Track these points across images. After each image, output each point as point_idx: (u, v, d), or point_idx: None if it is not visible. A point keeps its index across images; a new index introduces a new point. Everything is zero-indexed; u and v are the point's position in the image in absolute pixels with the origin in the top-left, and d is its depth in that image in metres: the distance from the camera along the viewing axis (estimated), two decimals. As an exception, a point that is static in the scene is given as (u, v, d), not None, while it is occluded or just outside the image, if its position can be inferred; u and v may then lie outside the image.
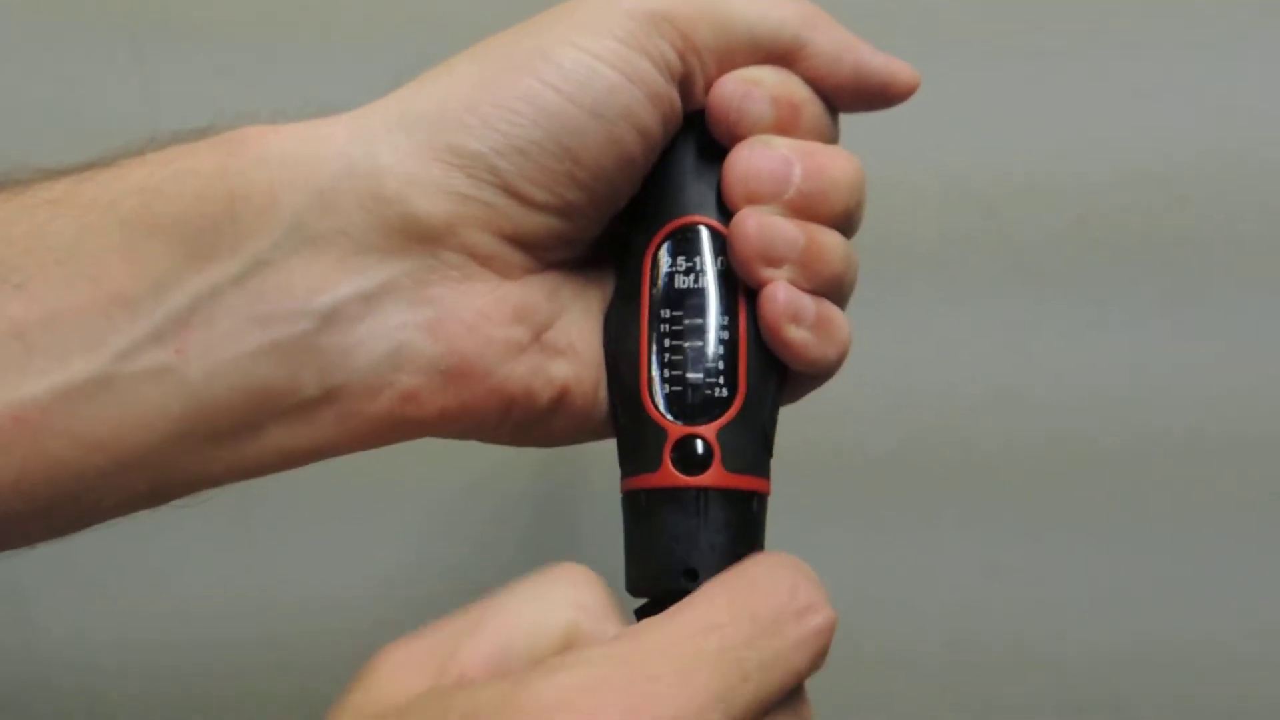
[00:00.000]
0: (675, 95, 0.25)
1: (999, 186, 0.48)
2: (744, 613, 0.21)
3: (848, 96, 0.27)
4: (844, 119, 0.29)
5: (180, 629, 0.58)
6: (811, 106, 0.26)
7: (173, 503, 0.24)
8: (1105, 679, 0.53)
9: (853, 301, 0.28)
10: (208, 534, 0.54)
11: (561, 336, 0.26)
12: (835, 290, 0.26)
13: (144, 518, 0.25)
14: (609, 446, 0.28)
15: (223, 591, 0.55)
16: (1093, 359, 0.50)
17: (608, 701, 0.18)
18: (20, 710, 0.60)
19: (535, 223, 0.25)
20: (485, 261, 0.24)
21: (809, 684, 0.23)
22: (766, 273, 0.25)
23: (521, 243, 0.25)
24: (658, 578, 0.25)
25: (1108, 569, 0.51)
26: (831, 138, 0.27)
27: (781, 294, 0.25)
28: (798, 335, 0.25)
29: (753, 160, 0.25)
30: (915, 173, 0.48)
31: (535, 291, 0.26)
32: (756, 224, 0.25)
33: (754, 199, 0.25)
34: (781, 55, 0.26)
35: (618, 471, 0.27)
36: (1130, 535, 0.51)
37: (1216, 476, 0.51)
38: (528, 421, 0.26)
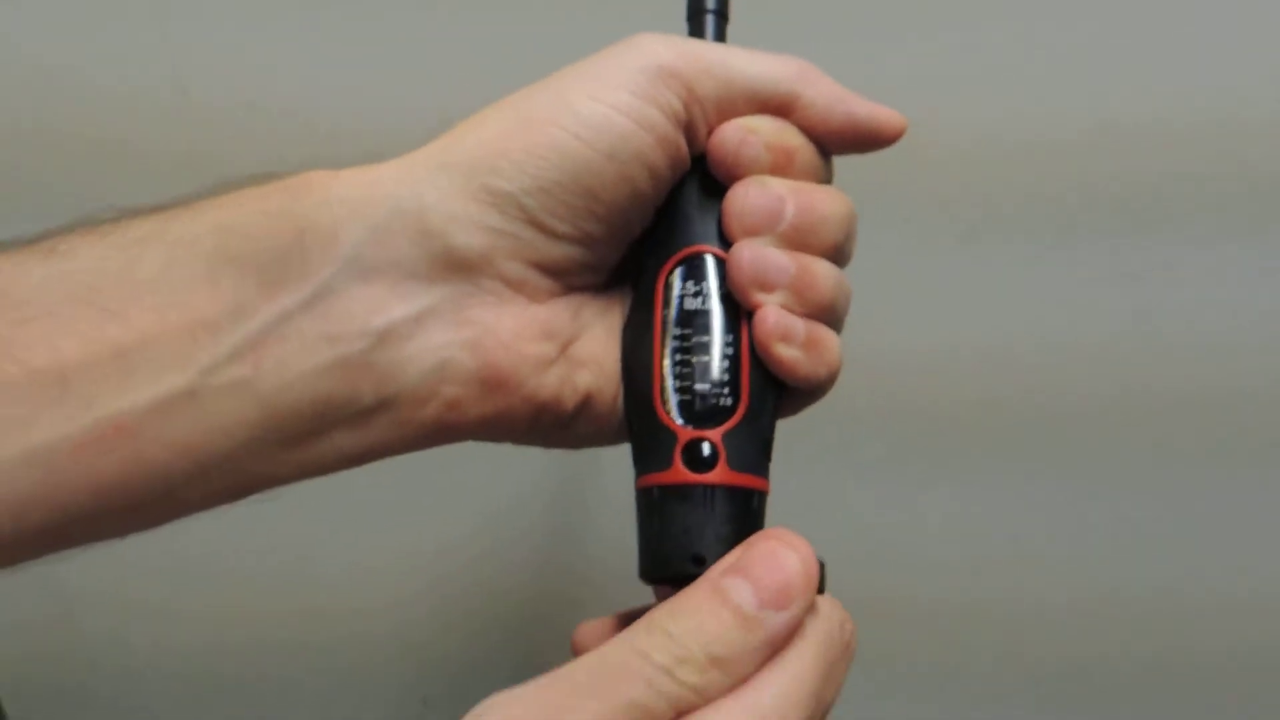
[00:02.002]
0: (682, 140, 0.28)
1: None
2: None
3: (839, 142, 0.30)
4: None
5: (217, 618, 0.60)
6: (804, 151, 0.29)
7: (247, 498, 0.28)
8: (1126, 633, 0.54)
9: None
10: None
11: (585, 350, 0.29)
12: (827, 314, 0.29)
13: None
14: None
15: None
16: (1126, 312, 0.51)
17: None
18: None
19: (559, 252, 0.28)
20: (517, 287, 0.28)
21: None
22: (759, 297, 0.28)
23: (548, 270, 0.28)
24: (669, 564, 0.27)
25: (1129, 521, 0.53)
26: (824, 178, 0.30)
27: (772, 316, 0.28)
28: (787, 353, 0.28)
29: (748, 198, 0.28)
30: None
31: (561, 312, 0.29)
32: (751, 254, 0.28)
33: (750, 231, 0.28)
34: (778, 107, 0.29)
35: (621, 456, 0.30)
36: (1152, 487, 0.52)
37: (1245, 429, 0.52)
38: (555, 426, 0.29)
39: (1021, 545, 0.54)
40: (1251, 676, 0.54)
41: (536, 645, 0.59)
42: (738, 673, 0.23)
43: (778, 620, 0.24)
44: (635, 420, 0.29)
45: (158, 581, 0.59)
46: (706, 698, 0.23)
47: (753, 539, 0.25)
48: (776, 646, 0.24)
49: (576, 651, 0.26)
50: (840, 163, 0.32)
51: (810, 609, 0.25)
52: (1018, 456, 0.53)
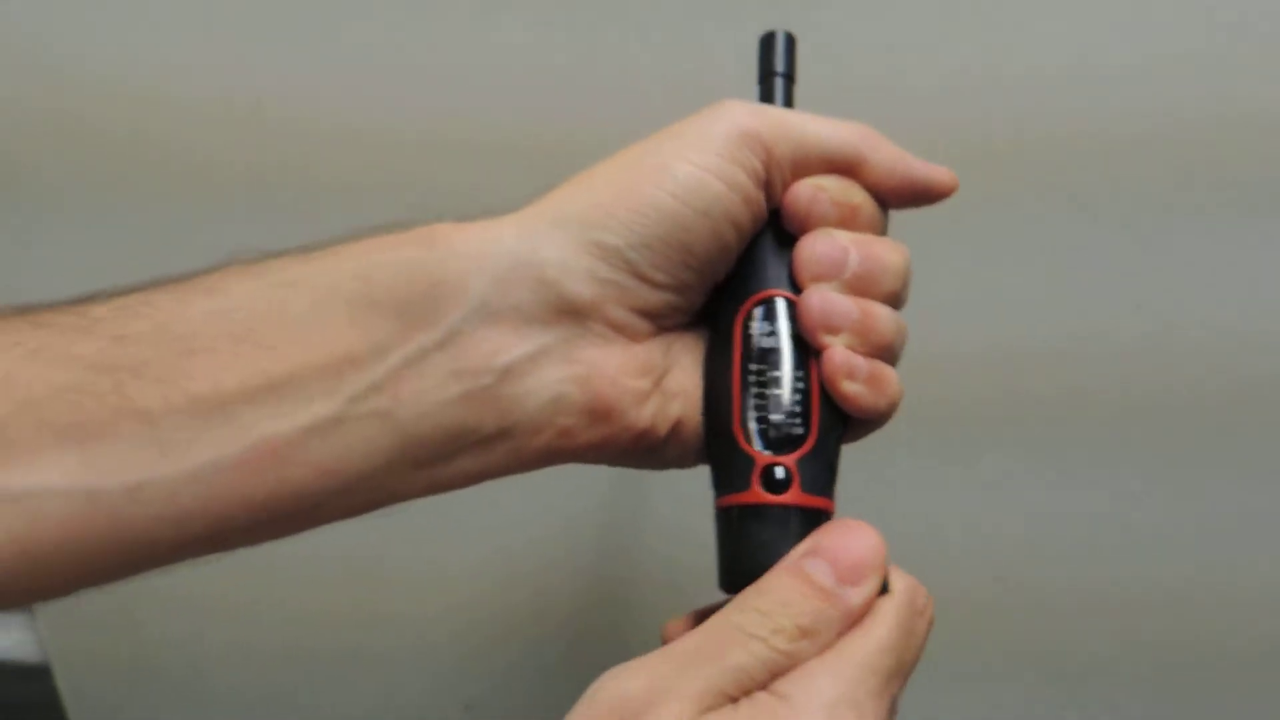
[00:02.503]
0: (762, 198, 0.32)
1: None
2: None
3: (898, 198, 0.33)
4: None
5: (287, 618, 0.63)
6: (867, 206, 0.33)
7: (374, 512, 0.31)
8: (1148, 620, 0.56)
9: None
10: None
11: (675, 383, 0.33)
12: (887, 353, 0.32)
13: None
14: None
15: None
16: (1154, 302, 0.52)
17: None
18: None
19: (657, 299, 0.31)
20: (619, 329, 0.31)
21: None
22: (826, 339, 0.31)
23: (646, 314, 0.32)
24: (747, 577, 0.30)
25: (1155, 512, 0.55)
26: (883, 230, 0.33)
27: (839, 356, 0.31)
28: (852, 389, 0.31)
29: (817, 248, 0.32)
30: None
31: (656, 350, 0.32)
32: (819, 299, 0.31)
33: (818, 278, 0.32)
34: (844, 167, 0.32)
35: (668, 481, 0.32)
36: (1180, 478, 0.54)
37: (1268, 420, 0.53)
38: (650, 450, 0.32)
39: (1043, 536, 0.56)
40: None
41: (580, 656, 0.62)
42: (823, 641, 0.27)
43: (855, 594, 0.28)
44: (715, 446, 0.32)
45: (221, 582, 0.62)
46: (797, 662, 0.27)
47: (825, 526, 0.30)
48: (855, 617, 0.28)
49: (666, 642, 0.30)
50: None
51: (883, 583, 0.29)
52: (1044, 448, 0.55)
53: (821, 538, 0.29)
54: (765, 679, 0.27)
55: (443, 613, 0.63)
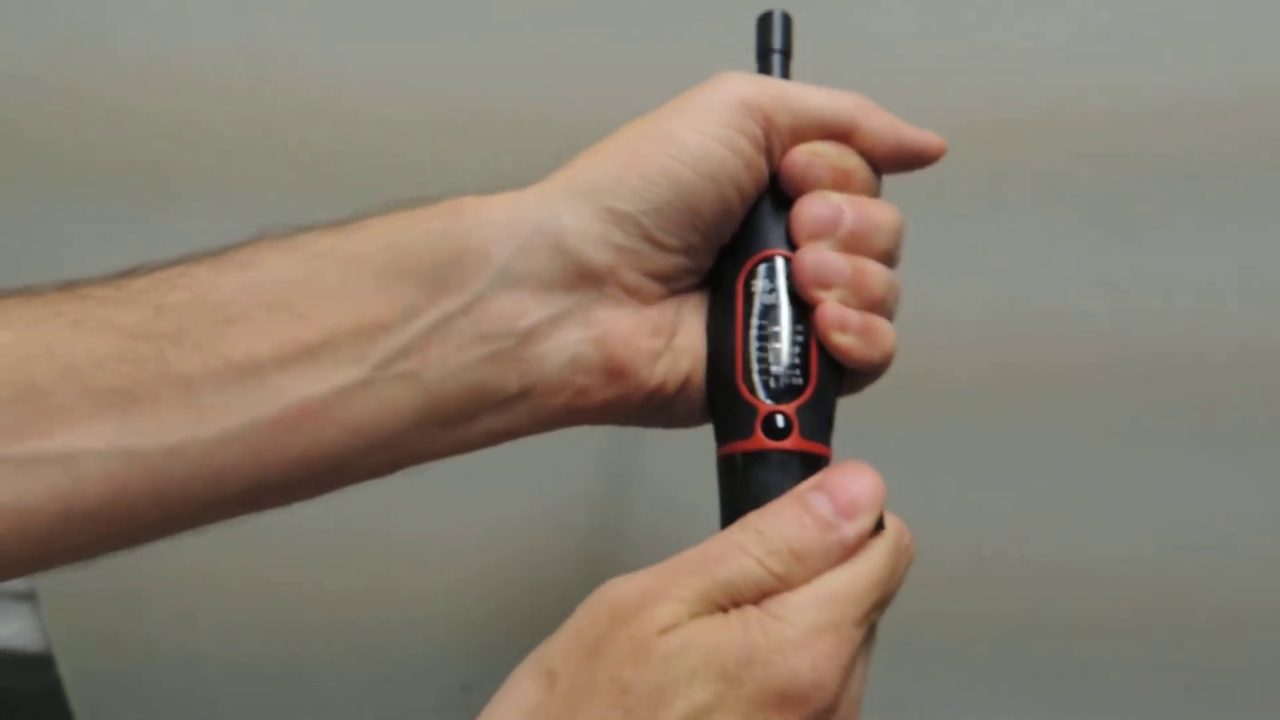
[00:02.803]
0: (763, 163, 0.34)
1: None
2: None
3: (891, 162, 0.35)
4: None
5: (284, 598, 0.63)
6: (861, 171, 0.34)
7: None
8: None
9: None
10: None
11: (684, 341, 0.34)
12: (880, 307, 0.34)
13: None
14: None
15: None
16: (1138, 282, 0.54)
17: None
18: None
19: (668, 262, 0.33)
20: (633, 292, 0.33)
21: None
22: (819, 294, 0.33)
23: (658, 277, 0.33)
24: None
25: (1132, 483, 0.56)
26: (877, 193, 0.35)
27: (831, 310, 0.33)
28: (844, 340, 0.33)
29: (812, 208, 0.33)
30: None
31: (667, 311, 0.34)
32: (813, 257, 0.33)
33: (813, 236, 0.33)
34: (840, 133, 0.34)
35: (664, 461, 0.34)
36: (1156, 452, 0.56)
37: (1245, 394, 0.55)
38: (661, 406, 0.34)
39: (1016, 509, 0.58)
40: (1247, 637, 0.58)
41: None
42: (814, 567, 0.29)
43: (850, 527, 0.29)
44: (720, 398, 0.34)
45: (220, 560, 0.62)
46: (787, 584, 0.28)
47: (832, 466, 0.31)
48: (849, 549, 0.29)
49: None
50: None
51: (878, 522, 0.30)
52: (1019, 425, 0.56)
53: (827, 475, 0.31)
54: (756, 595, 0.28)
55: (441, 591, 0.64)
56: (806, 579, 0.28)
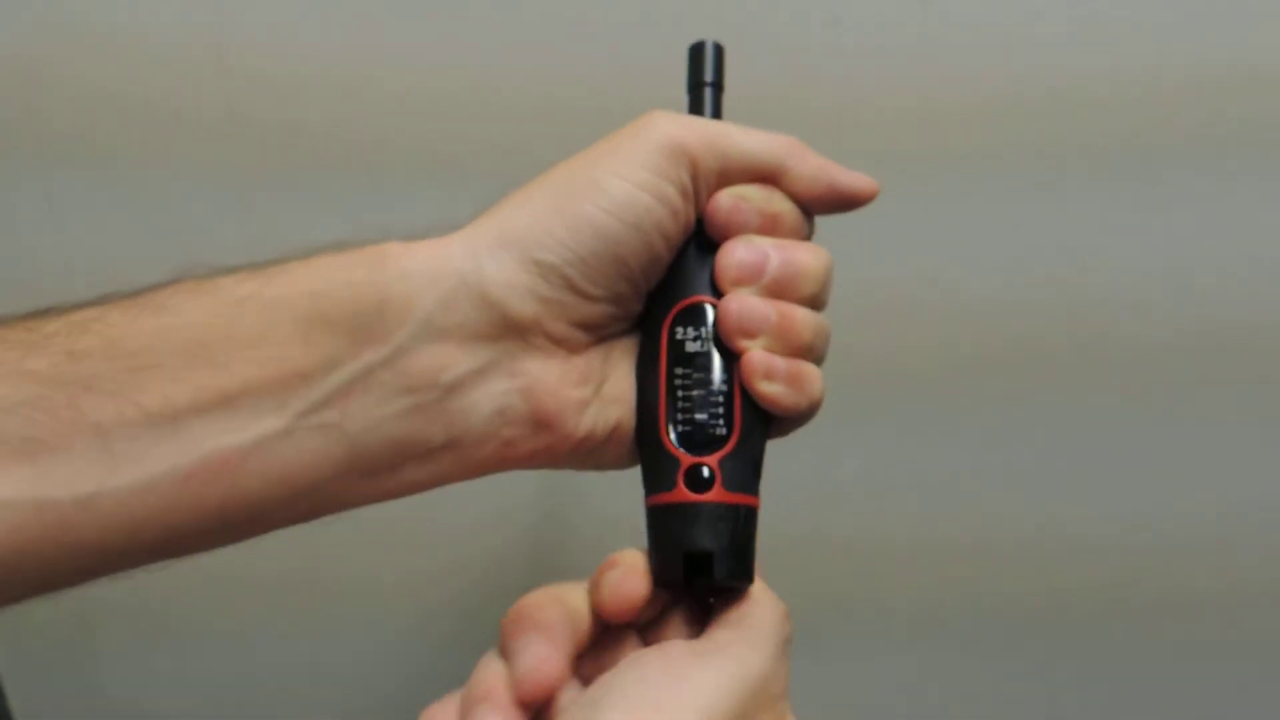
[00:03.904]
0: (689, 209, 0.33)
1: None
2: None
3: (821, 206, 0.35)
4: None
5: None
6: (790, 215, 0.34)
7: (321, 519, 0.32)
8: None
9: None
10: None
11: (614, 389, 0.34)
12: (808, 353, 0.34)
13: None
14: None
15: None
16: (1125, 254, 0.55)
17: None
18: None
19: (595, 310, 0.33)
20: (559, 342, 0.33)
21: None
22: (744, 342, 0.33)
23: (585, 326, 0.33)
24: (677, 574, 0.32)
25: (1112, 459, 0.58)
26: (806, 236, 0.35)
27: (756, 358, 0.33)
28: (769, 389, 0.33)
29: (736, 254, 0.33)
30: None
31: (595, 359, 0.34)
32: (737, 305, 0.33)
33: (737, 283, 0.33)
34: (768, 176, 0.34)
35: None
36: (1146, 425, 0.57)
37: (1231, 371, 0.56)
38: (590, 452, 0.34)
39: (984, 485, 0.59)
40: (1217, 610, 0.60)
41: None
42: None
43: None
44: (644, 448, 0.34)
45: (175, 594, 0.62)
46: None
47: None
48: None
49: None
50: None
51: None
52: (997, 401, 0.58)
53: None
54: None
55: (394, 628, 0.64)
56: None
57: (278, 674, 0.64)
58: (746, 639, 0.31)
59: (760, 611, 0.32)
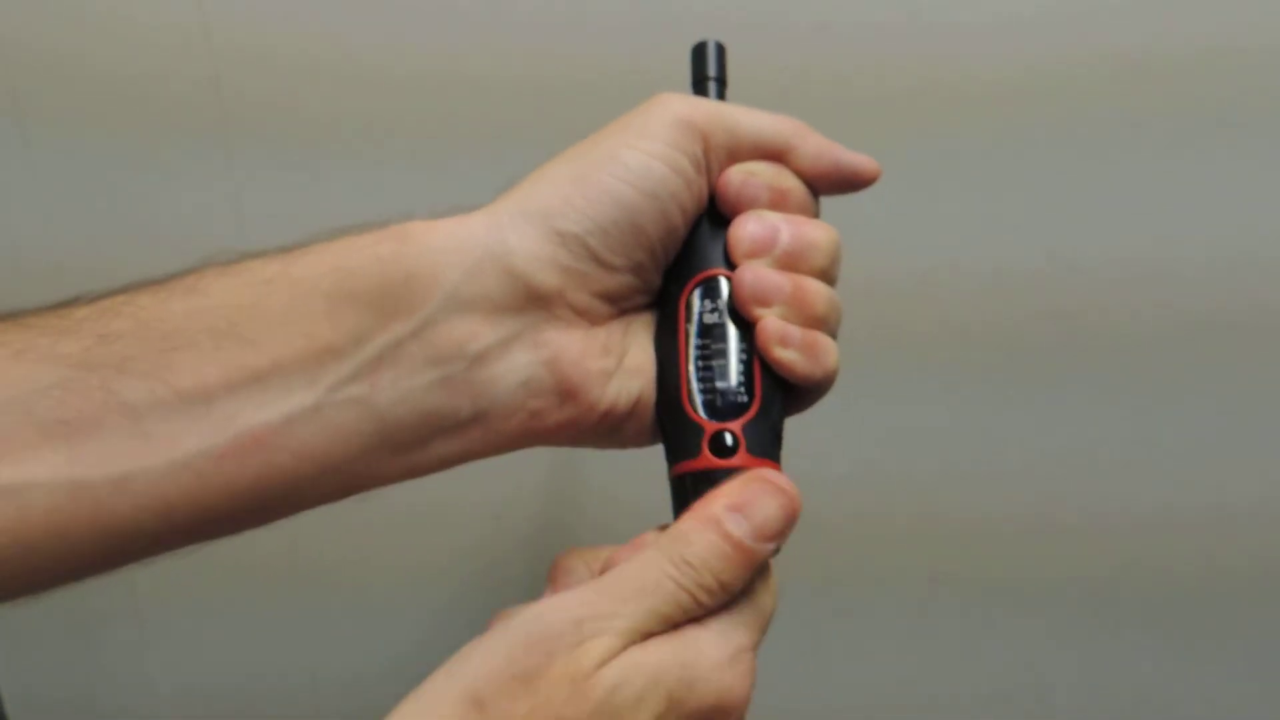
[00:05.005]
0: (702, 182, 0.34)
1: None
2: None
3: (826, 183, 0.36)
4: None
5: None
6: (797, 191, 0.35)
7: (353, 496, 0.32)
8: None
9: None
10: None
11: (634, 361, 0.35)
12: (822, 324, 0.34)
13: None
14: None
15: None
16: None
17: None
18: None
19: (615, 281, 0.34)
20: (582, 313, 0.33)
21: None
22: (759, 311, 0.34)
23: (606, 297, 0.34)
24: None
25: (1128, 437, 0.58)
26: (814, 213, 0.36)
27: (772, 325, 0.33)
28: (785, 355, 0.33)
29: (748, 227, 0.34)
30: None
31: (617, 331, 0.35)
32: (751, 275, 0.34)
33: (750, 255, 0.34)
34: (776, 154, 0.35)
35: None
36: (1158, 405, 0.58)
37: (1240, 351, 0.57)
38: (614, 427, 0.35)
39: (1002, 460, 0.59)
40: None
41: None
42: (734, 591, 0.30)
43: (765, 550, 0.31)
44: (667, 419, 0.35)
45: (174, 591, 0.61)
46: (708, 611, 0.30)
47: (749, 476, 0.32)
48: (759, 570, 0.31)
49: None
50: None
51: None
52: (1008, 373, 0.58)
53: (743, 490, 0.31)
54: (684, 620, 0.30)
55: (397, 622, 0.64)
56: (726, 601, 0.30)
57: (275, 672, 0.64)
58: (561, 596, 0.29)
59: (622, 565, 0.30)
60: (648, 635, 0.29)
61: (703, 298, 0.35)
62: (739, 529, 0.30)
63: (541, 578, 0.33)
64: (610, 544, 0.33)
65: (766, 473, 0.32)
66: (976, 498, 0.60)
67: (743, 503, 0.31)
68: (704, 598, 0.30)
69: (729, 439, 0.33)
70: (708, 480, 0.33)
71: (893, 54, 0.54)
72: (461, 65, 0.55)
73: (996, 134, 0.55)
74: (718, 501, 0.31)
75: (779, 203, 0.35)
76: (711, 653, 0.29)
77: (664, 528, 0.32)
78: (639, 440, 0.36)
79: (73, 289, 0.31)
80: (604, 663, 0.28)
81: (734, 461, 0.33)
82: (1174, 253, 0.56)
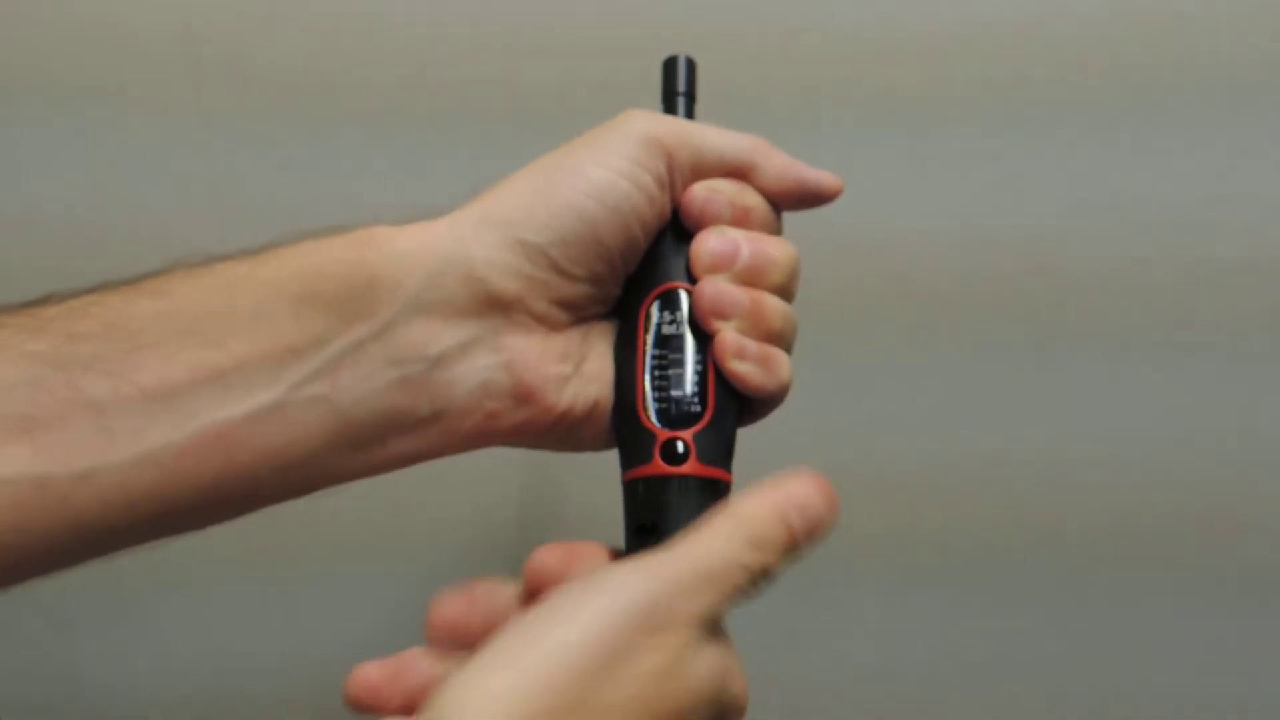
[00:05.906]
0: (665, 199, 0.35)
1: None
2: None
3: (789, 201, 0.37)
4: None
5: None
6: (759, 209, 0.36)
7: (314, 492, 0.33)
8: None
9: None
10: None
11: (592, 368, 0.36)
12: (778, 339, 0.35)
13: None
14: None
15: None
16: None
17: None
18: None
19: (575, 290, 0.34)
20: (541, 319, 0.34)
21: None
22: (717, 323, 0.35)
23: (565, 305, 0.35)
24: (649, 544, 0.32)
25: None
26: (775, 230, 0.37)
27: (729, 338, 0.34)
28: (741, 368, 0.34)
29: (709, 243, 0.35)
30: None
31: (574, 338, 0.35)
32: (711, 289, 0.35)
33: (711, 270, 0.35)
34: (739, 172, 0.36)
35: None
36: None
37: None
38: (570, 430, 0.35)
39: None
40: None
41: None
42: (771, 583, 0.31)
43: (806, 550, 0.31)
44: (621, 425, 0.36)
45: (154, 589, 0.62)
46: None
47: (806, 477, 0.32)
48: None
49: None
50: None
51: None
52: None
53: (808, 493, 0.31)
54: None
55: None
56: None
57: (253, 678, 0.64)
58: (638, 566, 0.29)
59: (689, 544, 0.30)
60: (713, 630, 0.29)
61: (662, 309, 0.36)
62: (799, 524, 0.31)
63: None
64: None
65: (824, 484, 0.32)
66: (934, 451, 0.60)
67: (803, 503, 0.31)
68: (754, 592, 0.30)
69: (680, 446, 0.34)
70: (658, 485, 0.34)
71: (865, 61, 0.55)
72: (446, 19, 0.55)
73: (969, 139, 0.56)
74: (789, 492, 0.31)
75: (741, 219, 0.36)
76: (735, 655, 0.30)
77: (610, 549, 0.33)
78: (596, 444, 0.37)
79: (152, 263, 0.32)
80: (691, 653, 0.28)
81: (684, 469, 0.34)
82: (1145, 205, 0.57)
